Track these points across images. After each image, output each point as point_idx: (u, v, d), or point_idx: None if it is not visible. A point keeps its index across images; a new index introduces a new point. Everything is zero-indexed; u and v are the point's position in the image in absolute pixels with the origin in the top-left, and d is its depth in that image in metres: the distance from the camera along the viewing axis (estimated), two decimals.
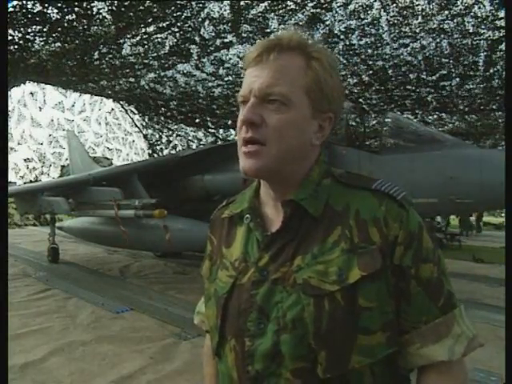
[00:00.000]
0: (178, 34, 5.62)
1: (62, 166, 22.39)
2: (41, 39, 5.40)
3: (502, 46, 5.76)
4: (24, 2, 4.41)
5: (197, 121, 11.69)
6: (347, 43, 6.09)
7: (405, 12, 5.22)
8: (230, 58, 6.73)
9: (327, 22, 5.46)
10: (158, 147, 13.95)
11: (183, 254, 8.05)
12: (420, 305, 0.70)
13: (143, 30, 5.39)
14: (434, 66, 6.82)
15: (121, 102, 11.71)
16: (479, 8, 5.06)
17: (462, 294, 5.09)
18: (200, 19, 5.22)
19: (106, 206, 6.29)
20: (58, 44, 5.61)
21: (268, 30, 5.52)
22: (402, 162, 4.88)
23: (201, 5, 4.89)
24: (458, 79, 7.34)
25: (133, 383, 2.85)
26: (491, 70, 6.78)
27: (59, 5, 4.53)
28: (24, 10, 4.56)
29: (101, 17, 4.87)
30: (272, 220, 0.77)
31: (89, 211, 6.80)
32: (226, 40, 5.88)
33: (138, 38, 5.61)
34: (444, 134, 6.22)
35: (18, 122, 21.61)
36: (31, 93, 18.49)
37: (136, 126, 13.78)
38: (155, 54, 6.33)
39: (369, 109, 9.12)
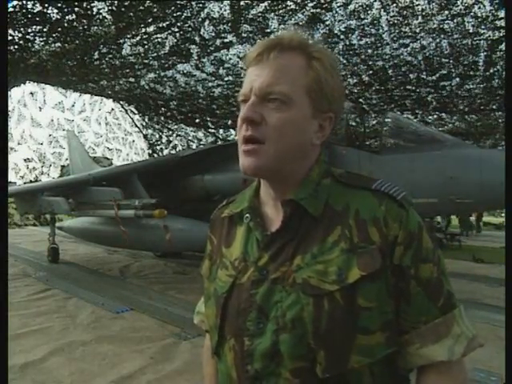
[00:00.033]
0: (177, 34, 5.62)
1: (62, 166, 22.40)
2: (41, 39, 5.41)
3: (502, 46, 5.76)
4: (24, 1, 4.41)
5: (197, 121, 11.69)
6: (347, 43, 6.09)
7: (405, 12, 5.22)
8: (230, 58, 6.73)
9: (327, 22, 5.46)
10: (158, 147, 13.95)
11: (183, 253, 8.05)
12: (420, 305, 0.70)
13: (143, 30, 5.39)
14: (434, 66, 6.82)
15: (121, 102, 11.71)
16: (479, 8, 5.06)
17: (461, 294, 5.09)
18: (200, 19, 5.22)
19: (106, 206, 6.29)
20: (58, 44, 5.61)
21: (268, 30, 5.53)
22: (401, 162, 4.88)
23: (201, 5, 4.89)
24: (458, 79, 7.34)
25: (133, 383, 2.85)
26: (491, 70, 6.78)
27: (59, 5, 4.53)
28: (24, 10, 4.56)
29: (101, 17, 4.87)
30: (272, 220, 0.77)
31: (89, 211, 6.81)
32: (226, 40, 5.88)
33: (138, 38, 5.61)
34: (444, 134, 6.21)
35: (18, 121, 21.61)
36: (31, 93, 18.47)
37: (136, 126, 13.78)
38: (155, 54, 6.33)
39: (369, 109, 9.12)
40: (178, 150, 13.48)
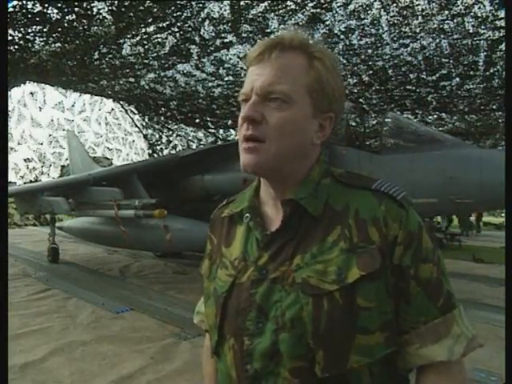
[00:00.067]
0: (177, 34, 5.63)
1: (62, 166, 22.40)
2: (41, 39, 5.41)
3: (502, 46, 5.76)
4: (24, 1, 4.41)
5: (197, 121, 11.69)
6: (347, 43, 6.09)
7: (405, 12, 5.22)
8: (230, 58, 6.74)
9: (327, 22, 5.46)
10: (158, 147, 13.95)
11: (183, 253, 8.05)
12: (419, 305, 0.70)
13: (143, 30, 5.39)
14: (434, 66, 6.83)
15: (121, 102, 11.72)
16: (479, 8, 5.06)
17: (461, 294, 5.09)
18: (200, 19, 5.23)
19: (106, 206, 6.29)
20: (58, 44, 5.62)
21: (268, 30, 5.53)
22: (401, 162, 4.88)
23: (201, 5, 4.89)
24: (458, 79, 7.35)
25: (133, 383, 2.85)
26: (491, 70, 6.78)
27: (59, 5, 4.53)
28: (24, 10, 4.56)
29: (101, 17, 4.87)
30: (272, 219, 0.77)
31: (89, 211, 6.81)
32: (226, 40, 5.89)
33: (138, 38, 5.62)
34: (444, 133, 6.21)
35: (18, 121, 21.61)
36: (31, 93, 18.47)
37: (136, 126, 13.79)
38: (155, 54, 6.33)
39: (369, 109, 9.12)
40: (177, 149, 13.49)
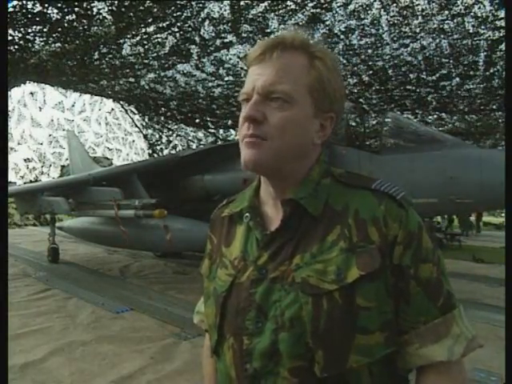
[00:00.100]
0: (177, 34, 5.63)
1: (62, 166, 22.41)
2: (41, 39, 5.41)
3: (502, 46, 5.76)
4: (24, 1, 4.41)
5: (197, 121, 11.70)
6: (347, 43, 6.09)
7: (405, 12, 5.22)
8: (230, 58, 6.74)
9: (327, 22, 5.46)
10: (158, 147, 13.96)
11: (183, 253, 8.05)
12: (419, 305, 0.70)
13: (143, 30, 5.39)
14: (434, 66, 6.83)
15: (121, 102, 11.72)
16: (479, 8, 5.06)
17: (461, 294, 5.09)
18: (200, 19, 5.23)
19: (106, 206, 6.29)
20: (58, 44, 5.62)
21: (268, 30, 5.53)
22: (402, 162, 4.88)
23: (201, 5, 4.89)
24: (458, 79, 7.35)
25: (133, 383, 2.85)
26: (491, 70, 6.78)
27: (59, 5, 4.54)
28: (24, 10, 4.56)
29: (101, 17, 4.87)
30: (272, 219, 0.77)
31: (89, 211, 6.81)
32: (226, 40, 5.89)
33: (138, 38, 5.62)
34: (444, 134, 6.21)
35: (18, 122, 21.62)
36: (31, 93, 18.48)
37: (136, 126, 13.79)
38: (155, 54, 6.33)
39: (369, 109, 9.12)
40: (178, 150, 13.49)
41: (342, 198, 0.74)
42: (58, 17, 4.77)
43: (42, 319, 4.20)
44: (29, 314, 4.36)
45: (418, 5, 5.06)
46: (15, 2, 4.37)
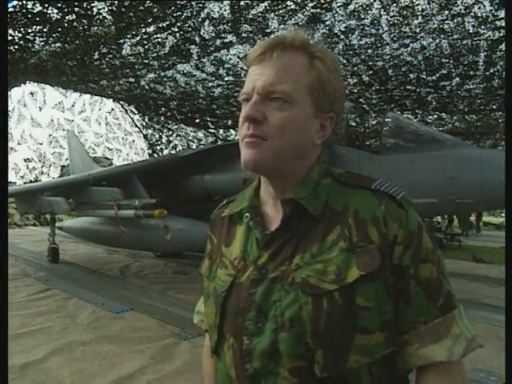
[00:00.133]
0: (177, 34, 5.63)
1: (62, 166, 22.41)
2: (41, 39, 5.41)
3: (502, 46, 5.76)
4: (24, 1, 4.41)
5: (197, 121, 11.70)
6: (347, 43, 6.09)
7: (405, 12, 5.22)
8: (230, 58, 6.74)
9: (327, 22, 5.46)
10: (158, 147, 13.96)
11: (183, 253, 8.05)
12: (419, 305, 0.70)
13: (143, 30, 5.39)
14: (434, 66, 6.83)
15: (121, 102, 11.72)
16: (479, 8, 5.06)
17: (461, 294, 5.09)
18: (200, 19, 5.23)
19: (106, 206, 6.29)
20: (58, 44, 5.62)
21: (268, 30, 5.53)
22: (402, 162, 4.88)
23: (201, 5, 4.89)
24: (458, 79, 7.35)
25: (133, 383, 2.85)
26: (491, 70, 6.78)
27: (59, 5, 4.54)
28: (24, 10, 4.56)
29: (101, 17, 4.87)
30: (272, 219, 0.77)
31: (89, 211, 6.80)
32: (226, 40, 5.89)
33: (138, 38, 5.62)
34: (444, 133, 6.21)
35: (18, 121, 21.64)
36: (31, 93, 18.50)
37: (136, 126, 13.79)
38: (155, 54, 6.33)
39: (369, 109, 9.12)
40: (178, 149, 13.49)
41: (342, 197, 0.74)
42: (58, 17, 4.77)
43: (41, 319, 4.20)
44: (29, 314, 4.36)
45: (418, 5, 5.06)
46: (15, 2, 4.37)
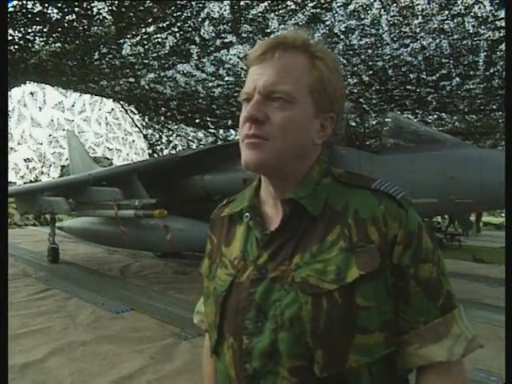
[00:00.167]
0: (177, 34, 5.62)
1: (62, 166, 22.39)
2: (41, 39, 5.40)
3: (502, 46, 5.76)
4: (24, 1, 4.41)
5: (197, 121, 11.69)
6: (347, 43, 6.09)
7: (405, 12, 5.22)
8: (230, 59, 6.73)
9: (327, 22, 5.46)
10: (158, 147, 13.95)
11: (183, 253, 8.05)
12: (419, 305, 0.70)
13: (143, 30, 5.39)
14: (434, 66, 6.82)
15: (121, 102, 11.71)
16: (479, 8, 5.06)
17: (462, 294, 5.09)
18: (200, 19, 5.22)
19: (106, 206, 6.29)
20: (58, 44, 5.61)
21: (268, 30, 5.53)
22: (401, 162, 4.88)
23: (201, 5, 4.88)
24: (457, 79, 7.35)
25: (133, 383, 2.85)
26: (491, 70, 6.78)
27: (59, 5, 4.53)
28: (24, 10, 4.56)
29: (101, 17, 4.86)
30: (271, 219, 0.77)
31: (89, 211, 6.81)
32: (226, 40, 5.88)
33: (138, 38, 5.61)
34: (444, 133, 6.22)
35: (18, 121, 21.65)
36: (31, 93, 18.52)
37: (136, 125, 13.78)
38: (155, 54, 6.33)
39: (369, 109, 9.12)
40: (177, 149, 13.48)
41: (342, 197, 0.74)
42: (58, 17, 4.76)
43: (42, 319, 4.20)
44: (29, 314, 4.36)
45: (418, 5, 5.06)
46: (15, 2, 4.37)
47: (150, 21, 5.08)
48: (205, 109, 10.07)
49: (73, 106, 21.54)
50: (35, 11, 4.59)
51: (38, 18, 4.75)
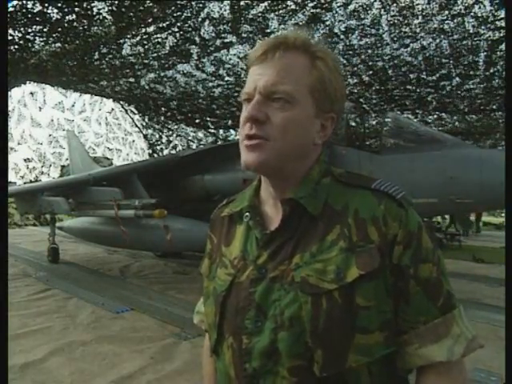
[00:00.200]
0: (178, 34, 5.62)
1: (62, 166, 22.39)
2: (41, 39, 5.40)
3: (502, 46, 5.77)
4: (24, 1, 4.41)
5: (197, 121, 11.69)
6: (347, 43, 6.09)
7: (405, 12, 5.22)
8: (230, 59, 6.74)
9: (327, 22, 5.46)
10: (158, 147, 13.95)
11: (183, 253, 8.05)
12: (419, 305, 0.69)
13: (143, 30, 5.39)
14: (434, 66, 6.83)
15: (121, 102, 11.71)
16: (479, 8, 5.06)
17: (461, 294, 5.09)
18: (200, 19, 5.22)
19: (106, 206, 6.29)
20: (58, 44, 5.61)
21: (268, 30, 5.53)
22: (402, 162, 4.88)
23: (201, 5, 4.89)
24: (457, 79, 7.35)
25: (133, 383, 2.85)
26: (491, 70, 6.78)
27: (59, 5, 4.53)
28: (24, 10, 4.56)
29: (101, 17, 4.86)
30: (271, 218, 0.77)
31: (89, 211, 6.80)
32: (226, 40, 5.88)
33: (138, 38, 5.61)
34: (444, 133, 6.22)
35: (18, 121, 21.66)
36: (31, 93, 18.54)
37: (136, 125, 13.78)
38: (155, 54, 6.33)
39: (369, 109, 9.12)
40: (178, 150, 13.49)
41: (342, 197, 0.74)
42: (58, 17, 4.76)
43: (42, 319, 4.20)
44: (29, 314, 4.36)
45: (418, 5, 5.06)
46: (15, 2, 4.36)
47: (150, 21, 5.08)
48: (205, 109, 10.07)
49: (73, 106, 21.59)
50: (35, 11, 4.59)
51: (38, 18, 4.75)
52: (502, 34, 5.50)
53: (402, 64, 6.82)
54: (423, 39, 5.92)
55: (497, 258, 8.35)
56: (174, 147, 13.78)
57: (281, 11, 5.10)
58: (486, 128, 10.78)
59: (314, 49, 0.74)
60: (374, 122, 7.69)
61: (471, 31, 5.59)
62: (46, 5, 4.51)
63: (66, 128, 20.26)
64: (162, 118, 12.09)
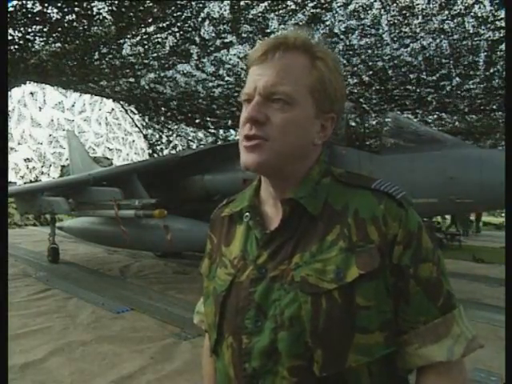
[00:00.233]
0: (178, 34, 5.63)
1: (62, 166, 22.40)
2: (41, 39, 5.40)
3: (502, 46, 5.77)
4: (24, 1, 4.41)
5: (197, 121, 11.69)
6: (347, 43, 6.09)
7: (405, 12, 5.22)
8: (230, 59, 6.74)
9: (327, 22, 5.46)
10: (158, 147, 13.95)
11: (183, 253, 8.05)
12: (419, 304, 0.69)
13: (143, 30, 5.39)
14: (434, 66, 6.83)
15: (121, 102, 11.71)
16: (479, 8, 5.06)
17: (461, 294, 5.09)
18: (200, 19, 5.22)
19: (106, 206, 6.29)
20: (58, 44, 5.61)
21: (268, 30, 5.53)
22: (402, 162, 4.88)
23: (201, 5, 4.89)
24: (457, 79, 7.35)
25: (133, 383, 2.85)
26: (491, 70, 6.78)
27: (59, 5, 4.53)
28: (24, 10, 4.56)
29: (101, 17, 4.87)
30: (271, 218, 0.77)
31: (89, 211, 6.80)
32: (226, 40, 5.88)
33: (138, 38, 5.62)
34: (444, 133, 6.21)
35: (18, 122, 21.62)
36: (31, 93, 18.49)
37: (136, 125, 13.79)
38: (155, 54, 6.33)
39: (369, 109, 9.12)
40: (177, 150, 13.49)
41: (342, 197, 0.74)
42: (58, 17, 4.76)
43: (42, 319, 4.20)
44: (29, 314, 4.36)
45: (418, 5, 5.06)
46: (15, 2, 4.37)
47: (150, 21, 5.08)
48: (205, 109, 10.07)
49: (73, 106, 21.56)
50: (35, 11, 4.59)
51: (38, 18, 4.75)
52: (502, 34, 5.50)
53: (402, 64, 6.82)
54: (423, 39, 5.92)
55: (497, 258, 8.34)
56: (174, 147, 13.78)
57: (281, 11, 5.10)
58: (486, 128, 10.78)
59: (314, 49, 0.73)
60: (373, 122, 7.69)
61: (471, 31, 5.59)
62: (46, 5, 4.51)
63: (66, 128, 20.25)
64: (162, 118, 12.09)
